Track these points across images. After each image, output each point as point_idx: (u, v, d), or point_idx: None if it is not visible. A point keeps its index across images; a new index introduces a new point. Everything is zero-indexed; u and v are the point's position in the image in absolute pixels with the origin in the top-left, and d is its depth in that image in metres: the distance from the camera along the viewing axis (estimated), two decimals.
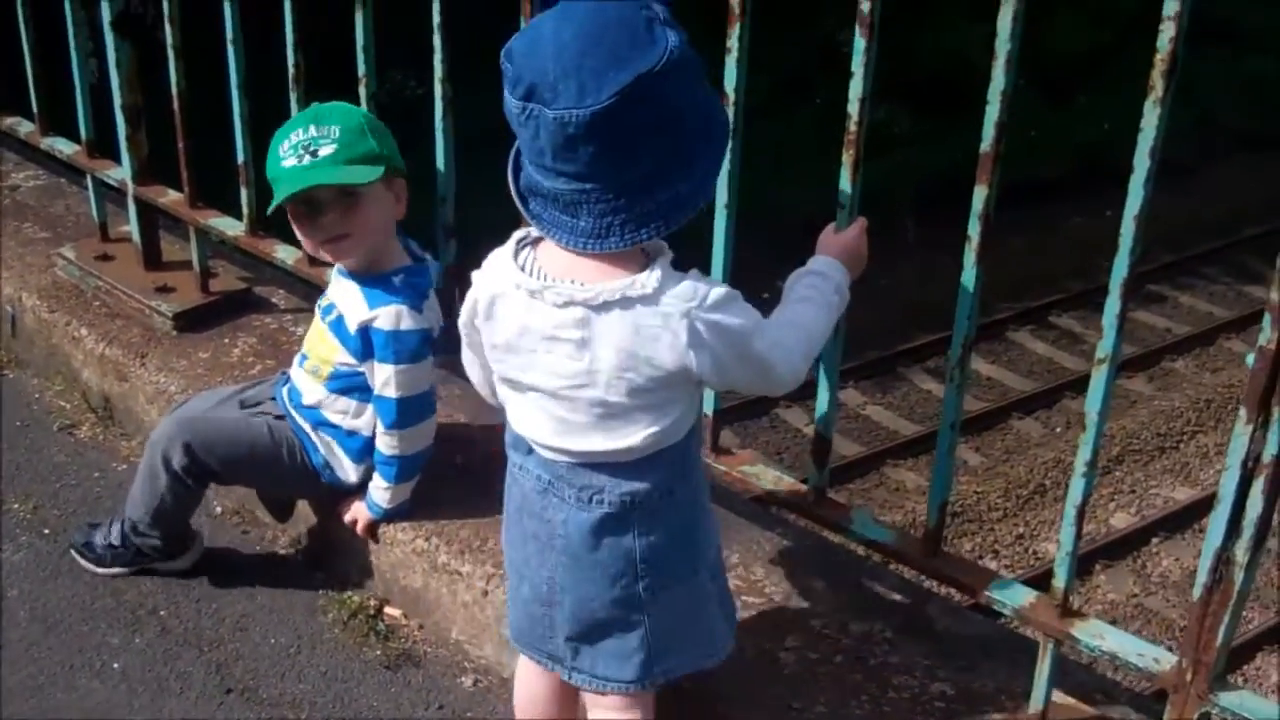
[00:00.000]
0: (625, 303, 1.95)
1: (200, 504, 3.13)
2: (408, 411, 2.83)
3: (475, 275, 2.13)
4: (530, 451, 2.17)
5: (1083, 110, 14.32)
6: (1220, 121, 15.01)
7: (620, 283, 1.94)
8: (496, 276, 2.07)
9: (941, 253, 11.07)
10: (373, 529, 2.99)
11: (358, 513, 2.99)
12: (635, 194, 1.89)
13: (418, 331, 2.79)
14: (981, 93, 2.12)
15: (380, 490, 2.93)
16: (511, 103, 1.86)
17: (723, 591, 2.35)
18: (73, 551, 3.17)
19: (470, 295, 2.13)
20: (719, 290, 1.97)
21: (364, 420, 2.93)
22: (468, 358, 2.27)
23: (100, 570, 3.13)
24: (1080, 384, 10.06)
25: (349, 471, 2.99)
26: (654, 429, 2.05)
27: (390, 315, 2.78)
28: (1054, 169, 13.42)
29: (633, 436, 2.05)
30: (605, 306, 1.95)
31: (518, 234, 2.07)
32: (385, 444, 2.87)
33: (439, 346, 2.87)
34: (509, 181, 2.01)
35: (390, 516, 2.97)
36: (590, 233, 1.92)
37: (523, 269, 2.02)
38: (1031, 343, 11.38)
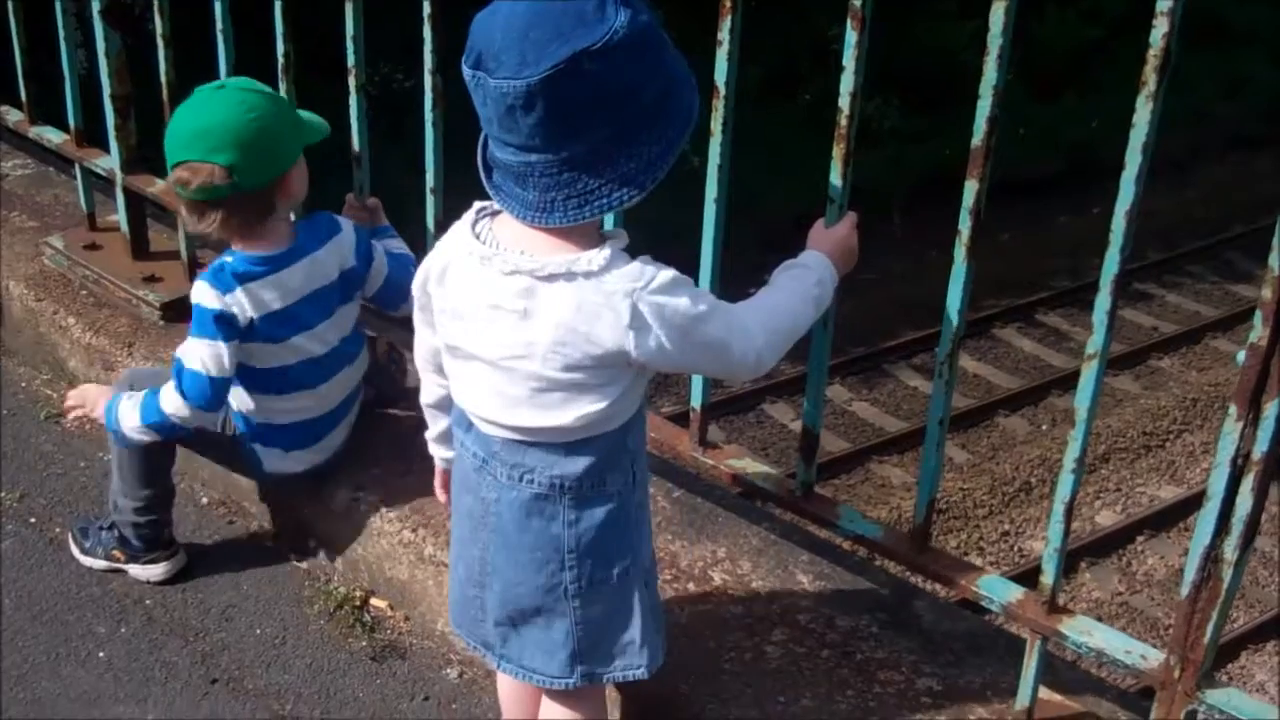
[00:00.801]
0: (570, 277, 1.96)
1: (173, 484, 3.15)
2: (181, 377, 2.85)
3: (437, 243, 2.16)
4: (470, 427, 2.17)
5: (1071, 108, 14.36)
6: (1210, 120, 15.04)
7: (567, 257, 1.96)
8: (453, 243, 2.09)
9: (929, 248, 11.14)
10: (86, 417, 3.09)
11: (85, 397, 3.06)
12: (578, 170, 1.91)
13: (210, 309, 2.81)
14: (971, 89, 2.12)
15: (127, 404, 2.94)
16: (465, 69, 1.89)
17: (655, 602, 2.33)
18: (70, 534, 3.18)
19: (426, 260, 2.16)
20: (666, 274, 1.98)
21: (238, 400, 2.98)
22: (418, 323, 2.28)
23: (81, 557, 3.14)
24: (1067, 381, 10.11)
25: (261, 455, 3.03)
26: (587, 410, 2.05)
27: (197, 287, 2.85)
28: (1042, 167, 13.45)
29: (565, 415, 2.05)
30: (550, 279, 1.96)
31: (478, 204, 2.09)
32: (163, 394, 2.89)
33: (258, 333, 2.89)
34: (478, 153, 2.03)
35: (113, 430, 2.97)
36: (535, 205, 1.95)
37: (478, 237, 2.04)
38: (1018, 340, 11.40)
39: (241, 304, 2.82)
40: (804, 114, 12.38)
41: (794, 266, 2.25)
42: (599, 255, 1.95)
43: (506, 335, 2.02)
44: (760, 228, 9.97)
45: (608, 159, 1.91)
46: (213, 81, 2.88)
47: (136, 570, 3.11)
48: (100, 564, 3.12)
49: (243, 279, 2.82)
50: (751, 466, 2.73)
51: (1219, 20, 15.43)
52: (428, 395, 2.40)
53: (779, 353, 2.16)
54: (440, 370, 2.27)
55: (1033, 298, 11.92)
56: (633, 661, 2.27)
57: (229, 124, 2.73)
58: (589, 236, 1.99)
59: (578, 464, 2.10)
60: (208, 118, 2.75)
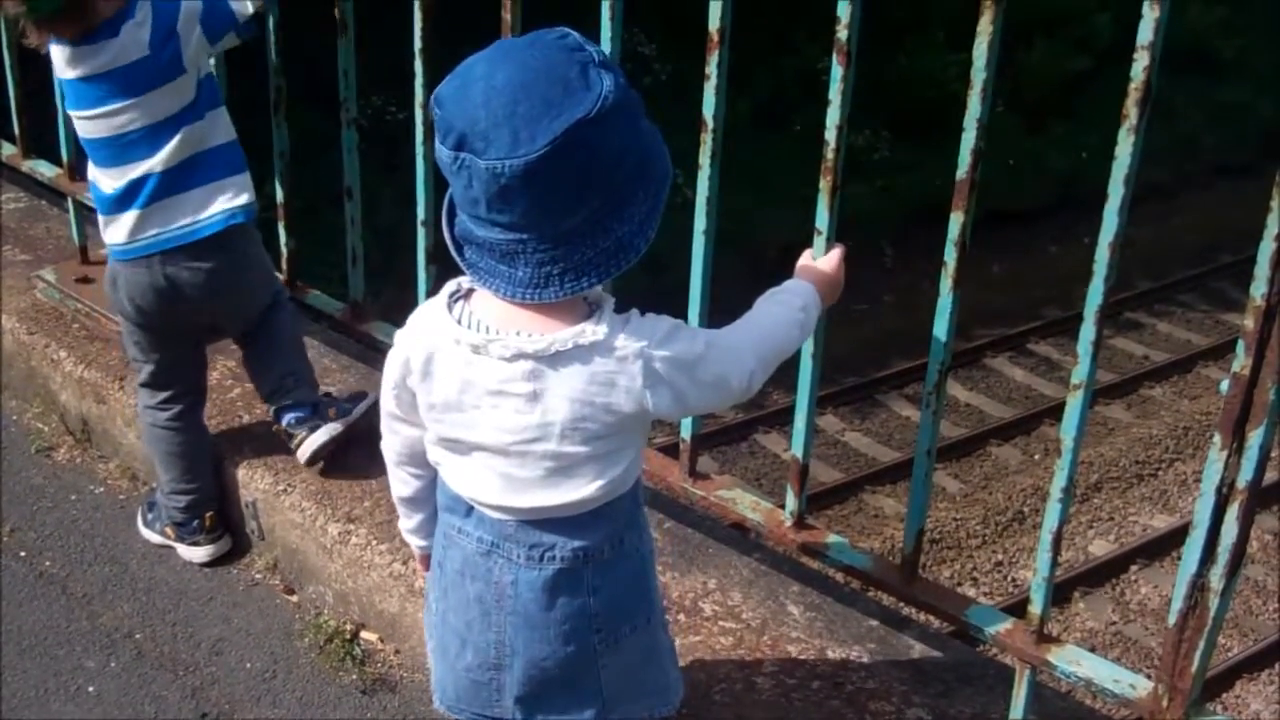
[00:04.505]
0: (577, 351, 1.90)
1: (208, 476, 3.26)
2: None
3: (399, 335, 2.05)
4: (469, 513, 2.10)
5: (1061, 139, 14.41)
6: (1198, 149, 15.10)
7: (570, 332, 1.90)
8: (431, 332, 1.99)
9: (921, 279, 11.16)
10: None
11: None
12: (574, 242, 1.85)
13: None
14: (961, 120, 2.14)
15: None
16: (443, 152, 1.81)
17: (670, 639, 2.31)
18: (139, 507, 3.37)
19: (398, 355, 2.04)
20: (665, 323, 1.95)
21: None
22: (390, 420, 2.16)
23: (142, 530, 3.33)
24: (1058, 411, 10.05)
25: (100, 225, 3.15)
26: (604, 479, 2.01)
27: None
28: (1032, 197, 13.50)
29: (584, 489, 2.00)
30: (557, 357, 1.90)
31: (449, 287, 2.00)
32: None
33: None
34: (444, 229, 1.94)
35: None
36: (529, 282, 1.87)
37: (459, 323, 1.95)
38: (1010, 370, 11.41)
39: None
40: (794, 145, 12.40)
41: (779, 292, 2.23)
42: (599, 326, 1.90)
43: (515, 420, 1.95)
44: (750, 259, 9.99)
45: (602, 227, 1.86)
46: None
47: (182, 550, 3.27)
48: (156, 539, 3.30)
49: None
50: (741, 497, 2.73)
51: (1207, 49, 15.51)
52: (403, 489, 2.28)
53: (768, 373, 2.13)
54: (415, 463, 2.20)
55: (1024, 327, 11.95)
56: (659, 700, 2.25)
57: None
58: (576, 303, 1.93)
59: (598, 532, 2.06)
60: None
